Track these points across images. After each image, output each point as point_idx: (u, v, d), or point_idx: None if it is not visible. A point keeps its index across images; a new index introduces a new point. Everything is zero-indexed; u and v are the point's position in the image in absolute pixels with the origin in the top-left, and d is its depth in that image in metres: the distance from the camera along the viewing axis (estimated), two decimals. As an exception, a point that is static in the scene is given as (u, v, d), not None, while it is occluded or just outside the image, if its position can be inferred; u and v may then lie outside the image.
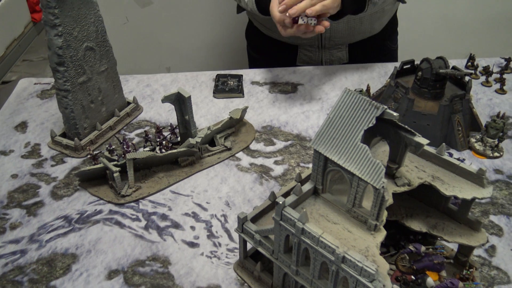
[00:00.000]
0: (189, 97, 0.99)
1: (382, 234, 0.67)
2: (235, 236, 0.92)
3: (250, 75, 1.40)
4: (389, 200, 0.71)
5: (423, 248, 0.75)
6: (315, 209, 0.72)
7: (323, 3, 1.08)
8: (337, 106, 0.67)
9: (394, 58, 1.58)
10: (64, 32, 0.98)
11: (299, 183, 0.71)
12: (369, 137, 0.76)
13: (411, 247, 0.74)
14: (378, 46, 1.50)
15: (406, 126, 0.70)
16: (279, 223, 0.69)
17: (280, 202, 0.67)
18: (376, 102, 0.64)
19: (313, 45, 1.45)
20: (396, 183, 0.74)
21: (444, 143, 0.77)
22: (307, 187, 0.72)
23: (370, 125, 0.64)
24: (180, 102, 1.02)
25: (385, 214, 0.68)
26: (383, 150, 0.81)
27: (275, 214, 0.69)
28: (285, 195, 0.79)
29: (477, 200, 0.96)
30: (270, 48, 1.54)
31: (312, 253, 0.66)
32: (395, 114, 0.64)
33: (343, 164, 0.65)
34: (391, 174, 0.76)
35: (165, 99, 1.00)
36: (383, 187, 0.62)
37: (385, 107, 0.63)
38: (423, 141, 0.69)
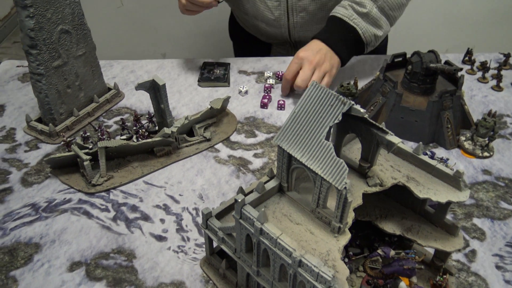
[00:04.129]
0: (164, 85, 0.95)
1: (346, 237, 0.63)
2: (205, 231, 0.88)
3: (238, 63, 1.35)
4: (358, 201, 0.67)
5: (392, 253, 0.71)
6: (279, 208, 0.68)
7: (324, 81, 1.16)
8: (303, 100, 0.63)
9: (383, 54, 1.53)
10: (36, 13, 0.94)
11: (261, 181, 0.67)
12: (341, 133, 0.72)
13: (379, 251, 0.71)
14: None
15: (378, 124, 0.65)
16: (239, 221, 0.65)
17: (239, 200, 0.63)
18: (344, 97, 0.60)
19: (285, 44, 1.43)
20: (368, 182, 0.70)
21: (421, 142, 0.72)
22: (271, 184, 0.69)
23: (336, 121, 0.60)
24: (156, 90, 0.99)
25: (351, 215, 0.64)
26: (359, 147, 0.76)
27: (234, 212, 0.65)
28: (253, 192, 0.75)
29: (455, 203, 0.92)
30: (246, 42, 1.53)
31: (271, 254, 0.63)
32: (362, 110, 0.60)
33: (306, 162, 0.61)
34: (363, 173, 0.72)
35: (139, 87, 0.96)
36: (345, 188, 0.58)
37: (352, 102, 0.59)
38: (395, 139, 0.65)
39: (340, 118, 0.59)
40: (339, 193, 0.59)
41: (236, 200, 0.63)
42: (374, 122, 0.65)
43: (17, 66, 1.34)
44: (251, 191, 0.74)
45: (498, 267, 0.82)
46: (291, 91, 1.21)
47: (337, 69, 1.19)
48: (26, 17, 0.94)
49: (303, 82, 1.14)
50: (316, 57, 1.14)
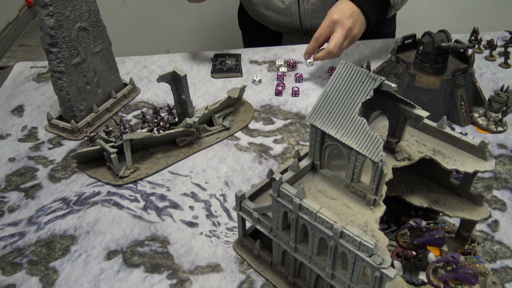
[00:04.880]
0: (185, 75, 0.97)
1: (381, 209, 0.66)
2: (234, 215, 0.91)
3: (249, 54, 1.37)
4: (389, 174, 0.70)
5: (423, 223, 0.73)
6: (313, 185, 0.70)
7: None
8: (334, 79, 0.65)
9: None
10: (56, 11, 0.96)
11: (296, 159, 0.70)
12: (368, 111, 0.74)
13: (411, 222, 0.73)
14: (370, 32, 1.35)
15: (405, 99, 0.68)
16: (276, 200, 0.68)
17: (277, 179, 0.65)
18: (374, 74, 0.62)
19: (296, 32, 1.43)
20: (396, 157, 0.73)
21: (445, 116, 0.75)
22: (304, 163, 0.71)
23: (368, 97, 0.62)
24: (176, 82, 1.01)
25: (384, 188, 0.66)
26: (383, 125, 0.79)
27: (272, 191, 0.67)
28: (283, 173, 0.78)
29: (480, 174, 0.94)
30: (256, 32, 1.54)
31: (310, 229, 0.65)
32: (393, 85, 0.62)
33: (341, 138, 0.64)
34: (390, 149, 0.74)
35: (161, 79, 0.98)
36: (381, 160, 0.60)
37: (383, 78, 0.61)
38: (423, 113, 0.67)
39: (372, 94, 0.62)
40: (375, 166, 0.62)
41: (273, 179, 0.66)
42: (402, 97, 0.67)
43: (31, 67, 1.35)
44: (282, 172, 0.76)
45: (520, 235, 0.85)
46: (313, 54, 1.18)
47: (361, 34, 1.17)
48: (46, 16, 0.95)
49: (335, 48, 1.11)
50: (349, 21, 1.11)
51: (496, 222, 0.88)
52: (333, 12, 1.13)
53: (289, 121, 1.13)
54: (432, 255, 0.76)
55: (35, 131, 1.12)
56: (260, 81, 1.25)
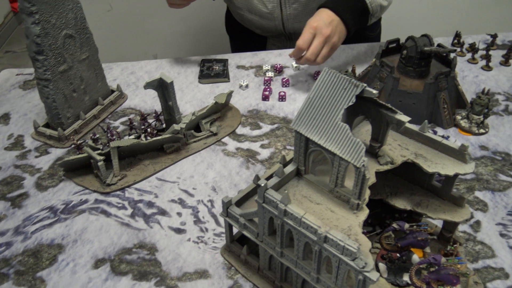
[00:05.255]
0: (172, 82, 0.98)
1: (364, 213, 0.67)
2: (222, 220, 0.92)
3: (236, 59, 1.38)
4: (372, 178, 0.71)
5: (406, 226, 0.75)
6: (298, 190, 0.71)
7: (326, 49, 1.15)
8: (317, 86, 0.66)
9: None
10: (42, 19, 0.96)
11: (281, 165, 0.71)
12: (351, 116, 0.76)
13: (394, 225, 0.75)
14: (355, 36, 1.33)
15: (387, 104, 0.69)
16: (262, 205, 0.68)
17: (262, 185, 0.66)
18: (356, 81, 0.63)
19: (280, 36, 1.45)
20: (379, 161, 0.74)
21: (426, 120, 0.77)
22: (289, 168, 0.72)
23: (350, 103, 0.63)
24: (163, 88, 1.01)
25: (367, 192, 0.68)
26: (367, 129, 0.80)
27: (257, 196, 0.68)
28: (269, 178, 0.78)
29: (461, 176, 0.96)
30: (242, 36, 1.55)
31: (295, 234, 0.66)
32: (374, 92, 0.63)
33: (324, 144, 0.65)
34: (374, 153, 0.75)
35: (147, 85, 0.99)
36: (363, 165, 0.61)
37: (365, 85, 0.63)
38: (404, 118, 0.69)
39: (354, 100, 0.63)
40: (357, 171, 0.63)
41: (258, 185, 0.67)
42: (383, 103, 0.69)
43: (17, 75, 1.34)
44: (268, 178, 0.77)
45: (502, 235, 0.87)
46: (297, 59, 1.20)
47: (341, 42, 1.20)
48: (32, 24, 0.95)
49: (313, 56, 1.14)
50: (328, 29, 1.13)
51: (478, 222, 0.90)
52: (312, 21, 1.16)
53: (276, 125, 1.14)
54: (416, 257, 0.78)
55: (22, 139, 1.12)
56: (247, 86, 1.26)
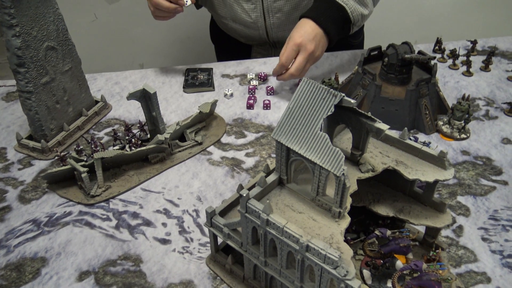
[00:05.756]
0: (155, 93, 0.98)
1: (346, 221, 0.67)
2: (207, 230, 0.91)
3: (221, 68, 1.39)
4: (353, 186, 0.72)
5: (388, 232, 0.76)
6: (281, 200, 0.72)
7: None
8: (297, 96, 0.67)
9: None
10: (22, 32, 0.96)
11: (264, 175, 0.71)
12: (332, 124, 0.76)
13: (377, 232, 0.75)
14: (339, 43, 1.32)
15: (367, 113, 0.70)
16: (244, 215, 0.69)
17: (244, 195, 0.67)
18: (334, 90, 0.64)
19: (265, 44, 1.47)
20: (360, 169, 0.75)
21: (406, 128, 0.78)
22: (271, 178, 0.72)
23: (329, 113, 0.64)
24: (147, 99, 1.01)
25: (349, 200, 0.68)
26: (348, 137, 0.81)
27: (240, 207, 0.69)
28: (253, 187, 0.79)
29: (442, 182, 0.97)
30: (227, 45, 1.56)
31: (278, 243, 0.66)
32: (352, 101, 0.64)
33: (304, 153, 0.65)
34: (355, 161, 0.76)
35: (130, 96, 0.99)
36: (343, 174, 0.62)
37: (343, 94, 0.64)
38: (384, 126, 0.70)
39: (333, 110, 0.64)
40: (337, 180, 0.63)
41: (241, 195, 0.67)
42: (363, 112, 0.70)
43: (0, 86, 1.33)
44: (251, 188, 0.78)
45: (484, 239, 0.89)
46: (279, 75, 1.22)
47: (323, 53, 1.21)
48: (13, 36, 0.95)
49: (297, 72, 1.15)
50: (312, 45, 1.14)
51: (460, 227, 0.91)
52: (296, 36, 1.15)
53: (260, 134, 1.15)
54: (400, 263, 0.78)
55: (4, 152, 1.11)
56: (232, 95, 1.26)
